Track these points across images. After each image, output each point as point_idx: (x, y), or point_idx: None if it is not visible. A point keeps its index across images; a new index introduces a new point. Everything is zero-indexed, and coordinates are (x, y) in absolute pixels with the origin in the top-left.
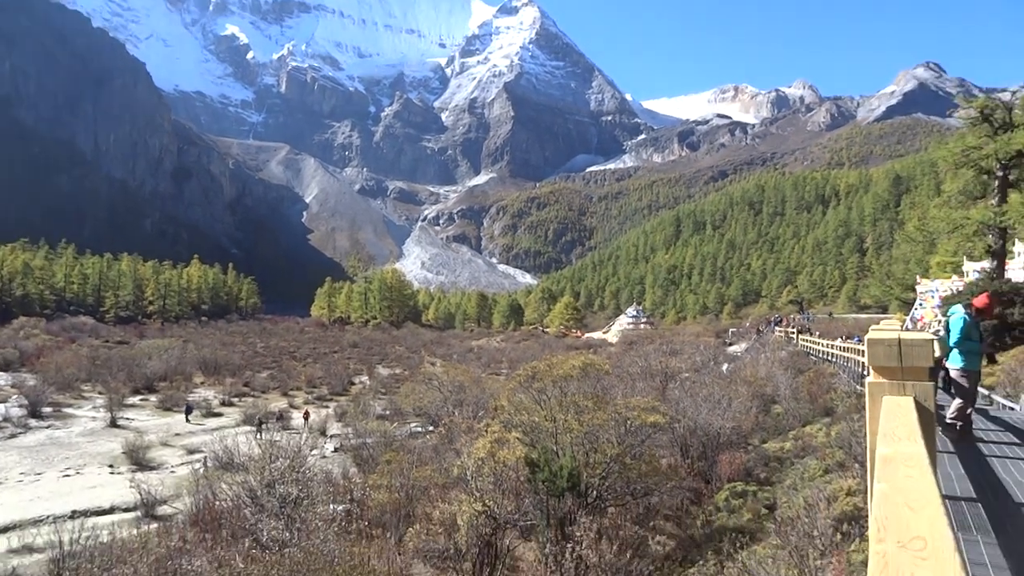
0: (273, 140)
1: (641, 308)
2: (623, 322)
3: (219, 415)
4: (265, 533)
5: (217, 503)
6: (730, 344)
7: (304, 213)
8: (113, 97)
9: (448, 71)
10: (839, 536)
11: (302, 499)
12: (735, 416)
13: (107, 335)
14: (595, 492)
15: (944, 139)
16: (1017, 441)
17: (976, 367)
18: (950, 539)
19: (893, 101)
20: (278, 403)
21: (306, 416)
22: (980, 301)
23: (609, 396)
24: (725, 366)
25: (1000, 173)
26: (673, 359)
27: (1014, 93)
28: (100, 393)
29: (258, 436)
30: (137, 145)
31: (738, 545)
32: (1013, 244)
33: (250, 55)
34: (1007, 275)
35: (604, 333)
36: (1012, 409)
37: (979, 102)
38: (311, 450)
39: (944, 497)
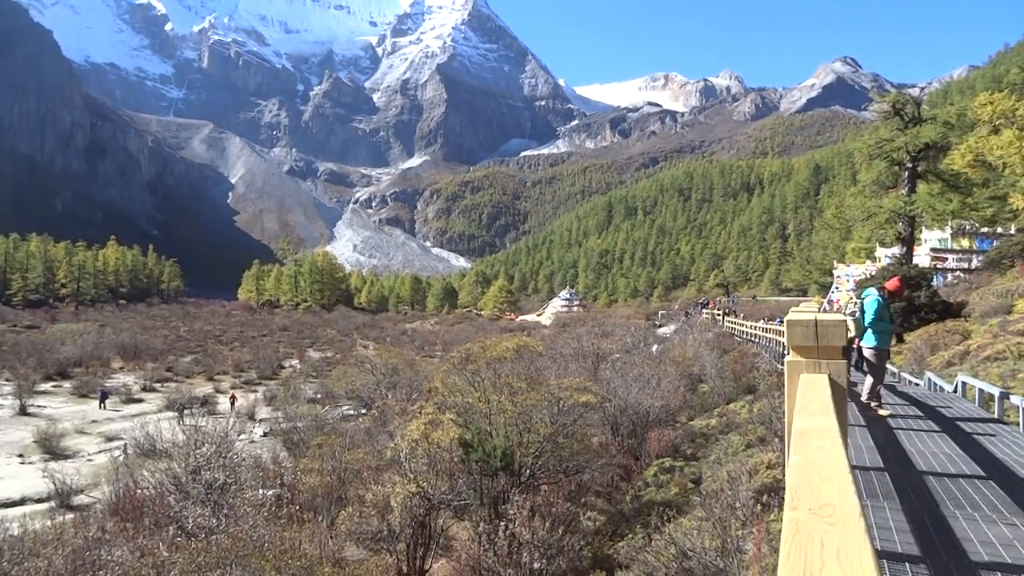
0: (195, 117)
1: (574, 291)
2: (556, 305)
3: (140, 401)
4: (191, 520)
5: (139, 491)
6: (660, 326)
7: (230, 194)
8: (15, 66)
9: (379, 51)
10: (759, 507)
11: (229, 485)
12: (664, 395)
13: (15, 319)
14: (528, 471)
15: (860, 131)
16: (920, 415)
17: (887, 346)
18: (856, 506)
19: (813, 94)
20: (203, 388)
21: (233, 400)
22: (892, 284)
23: (542, 377)
24: (655, 347)
25: (910, 165)
26: (605, 341)
27: (922, 89)
28: (7, 380)
29: (180, 422)
30: (45, 119)
31: (665, 518)
32: (920, 232)
33: (168, 27)
34: (915, 260)
35: (538, 316)
36: (917, 385)
37: (891, 97)
38: (239, 435)
39: (854, 467)
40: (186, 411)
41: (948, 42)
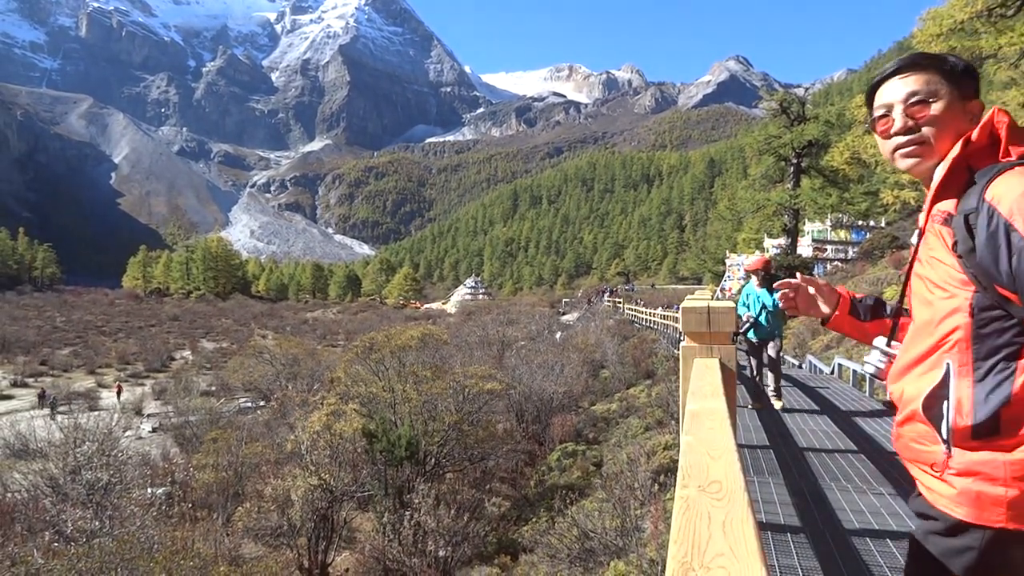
0: (72, 90)
1: (480, 279)
2: (462, 293)
3: (9, 397)
4: (70, 524)
5: (8, 495)
6: (563, 314)
7: (112, 175)
8: None
9: (278, 28)
10: (657, 487)
11: (114, 484)
12: (567, 381)
13: None
14: (434, 459)
15: (750, 128)
16: (802, 395)
17: (764, 335)
18: (741, 482)
19: (709, 90)
20: (84, 382)
21: (119, 390)
22: (753, 265)
23: (448, 365)
24: (558, 334)
25: (795, 160)
26: (510, 328)
27: (807, 89)
28: None
29: (53, 418)
30: None
31: (568, 501)
32: (803, 224)
33: None
34: (799, 251)
35: (443, 304)
36: (799, 367)
37: (779, 96)
38: (125, 431)
39: (743, 446)
40: (62, 407)
41: (830, 46)
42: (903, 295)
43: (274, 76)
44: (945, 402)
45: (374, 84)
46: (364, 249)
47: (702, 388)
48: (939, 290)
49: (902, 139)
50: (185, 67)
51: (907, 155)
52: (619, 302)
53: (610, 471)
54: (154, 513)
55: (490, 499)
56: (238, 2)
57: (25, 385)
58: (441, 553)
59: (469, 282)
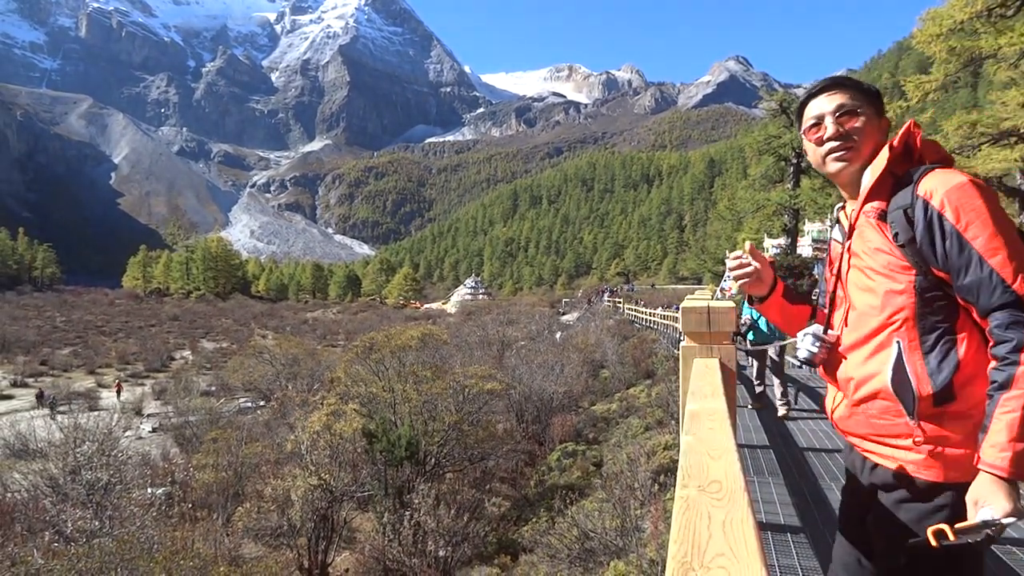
0: (72, 90)
1: (479, 279)
2: (462, 293)
3: (9, 397)
4: (70, 524)
5: (8, 495)
6: (563, 314)
7: (112, 175)
8: None
9: (278, 28)
10: (657, 487)
11: (114, 484)
12: (567, 381)
13: None
14: (434, 459)
15: (750, 128)
16: (802, 396)
17: (760, 339)
18: (741, 482)
19: (708, 90)
20: (84, 382)
21: (119, 388)
22: None
23: (448, 365)
24: (558, 334)
25: (795, 160)
26: (510, 328)
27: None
28: None
29: (53, 418)
30: None
31: (568, 501)
32: (804, 224)
33: None
34: (799, 251)
35: (443, 304)
36: (800, 367)
37: (778, 96)
38: (125, 431)
39: (742, 446)
40: (62, 406)
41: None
42: (835, 287)
43: (274, 76)
44: (907, 377)
45: (374, 84)
46: (364, 249)
47: (702, 388)
48: (881, 276)
49: (835, 143)
50: (185, 67)
51: (838, 159)
52: (619, 302)
53: (610, 471)
54: (154, 513)
55: (490, 499)
56: (238, 2)
57: (25, 385)
58: (441, 553)
59: (469, 282)
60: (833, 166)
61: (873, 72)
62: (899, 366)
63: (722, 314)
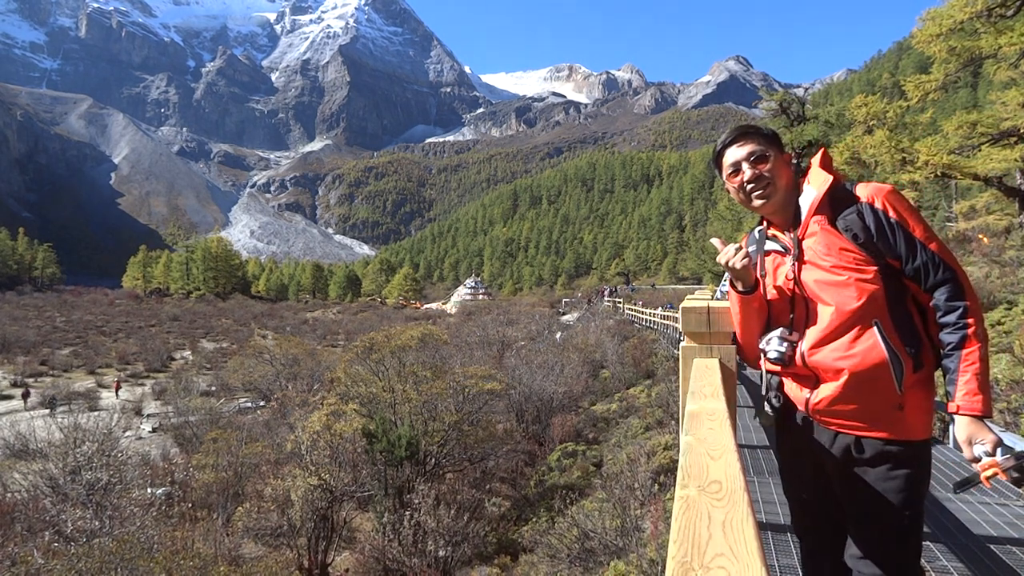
0: (72, 91)
1: (479, 279)
2: (462, 293)
3: (9, 397)
4: (70, 524)
5: (8, 495)
6: (563, 314)
7: (112, 175)
8: None
9: (278, 28)
10: (657, 487)
11: (114, 484)
12: (567, 381)
13: None
14: (434, 459)
15: None
16: None
17: None
18: (741, 482)
19: (708, 90)
20: (84, 382)
21: (117, 386)
22: None
23: (448, 365)
24: (558, 334)
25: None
26: (510, 328)
27: (806, 89)
28: None
29: (53, 417)
30: None
31: (568, 501)
32: None
33: None
34: None
35: (443, 304)
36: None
37: (778, 96)
38: (125, 431)
39: (743, 446)
40: (62, 406)
41: (830, 46)
42: (792, 291)
43: (274, 76)
44: (894, 351)
45: (373, 84)
46: (364, 249)
47: (702, 388)
48: (849, 271)
49: (753, 185)
50: (185, 67)
51: (760, 196)
52: (619, 302)
53: (610, 471)
54: (154, 513)
55: (490, 499)
56: (238, 2)
57: (25, 385)
58: (441, 553)
59: (469, 282)
60: (757, 203)
61: (873, 72)
62: (887, 343)
63: (722, 314)
